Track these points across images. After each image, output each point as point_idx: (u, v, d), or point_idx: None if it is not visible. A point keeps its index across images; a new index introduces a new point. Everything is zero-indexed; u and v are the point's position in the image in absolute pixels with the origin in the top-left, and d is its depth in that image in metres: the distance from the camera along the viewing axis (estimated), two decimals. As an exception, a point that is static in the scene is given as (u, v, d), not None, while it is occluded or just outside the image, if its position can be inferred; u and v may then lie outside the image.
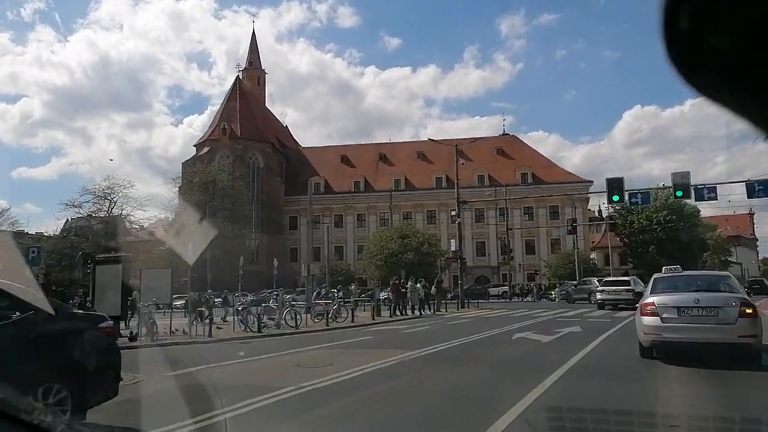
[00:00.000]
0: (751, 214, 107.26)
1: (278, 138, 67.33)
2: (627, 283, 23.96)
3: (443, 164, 60.98)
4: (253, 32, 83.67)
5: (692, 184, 20.17)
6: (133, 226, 57.76)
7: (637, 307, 9.01)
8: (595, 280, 31.27)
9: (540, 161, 59.57)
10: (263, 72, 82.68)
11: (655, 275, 9.53)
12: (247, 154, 57.81)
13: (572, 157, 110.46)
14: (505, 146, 63.17)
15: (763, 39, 0.64)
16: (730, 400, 5.69)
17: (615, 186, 20.57)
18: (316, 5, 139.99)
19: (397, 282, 23.49)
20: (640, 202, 21.00)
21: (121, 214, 53.11)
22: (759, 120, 0.73)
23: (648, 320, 7.99)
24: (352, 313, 18.62)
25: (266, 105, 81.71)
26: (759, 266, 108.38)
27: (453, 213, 58.97)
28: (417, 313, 22.01)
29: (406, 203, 59.72)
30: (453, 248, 25.84)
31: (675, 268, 10.52)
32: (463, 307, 26.58)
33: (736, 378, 6.82)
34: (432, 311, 23.05)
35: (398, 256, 44.19)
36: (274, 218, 57.17)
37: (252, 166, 58.39)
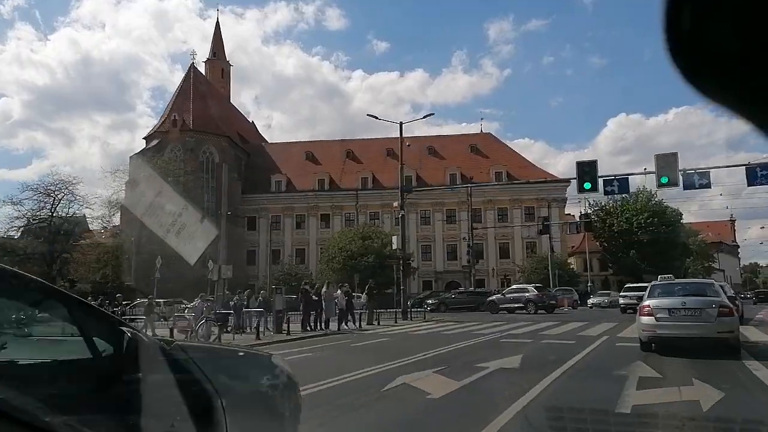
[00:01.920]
0: (732, 221, 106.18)
1: (240, 133, 63.38)
2: (645, 288, 23.51)
3: (413, 162, 57.64)
4: (218, 22, 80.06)
5: (680, 168, 16.91)
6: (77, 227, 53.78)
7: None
8: (531, 287, 29.26)
9: (516, 160, 56.60)
10: (228, 64, 78.86)
11: (653, 282, 11.96)
12: (200, 148, 53.82)
13: (557, 164, 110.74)
14: (480, 144, 60.06)
15: (765, 39, 0.64)
16: (730, 400, 5.59)
17: (587, 171, 17.28)
18: (304, 6, 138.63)
19: (307, 288, 19.35)
20: (616, 191, 17.68)
21: (68, 213, 49.44)
22: (760, 121, 0.73)
23: (645, 319, 9.62)
24: (220, 330, 14.31)
25: (231, 98, 78.06)
26: (741, 273, 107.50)
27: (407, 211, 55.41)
28: (333, 327, 17.87)
29: (374, 203, 56.22)
30: (395, 246, 22.16)
31: (668, 277, 13.20)
32: (405, 318, 22.89)
33: (737, 378, 6.95)
34: (357, 324, 18.82)
35: (357, 259, 40.55)
36: (230, 218, 53.08)
37: (206, 162, 54.31)
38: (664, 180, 16.72)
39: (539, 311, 26.49)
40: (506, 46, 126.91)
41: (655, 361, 8.56)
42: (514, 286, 31.44)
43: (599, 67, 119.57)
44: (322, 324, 17.83)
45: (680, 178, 16.90)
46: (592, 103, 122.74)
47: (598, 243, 59.59)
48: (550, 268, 38.90)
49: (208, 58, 77.87)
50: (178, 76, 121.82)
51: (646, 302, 9.85)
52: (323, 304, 17.99)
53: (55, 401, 1.76)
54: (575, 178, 17.73)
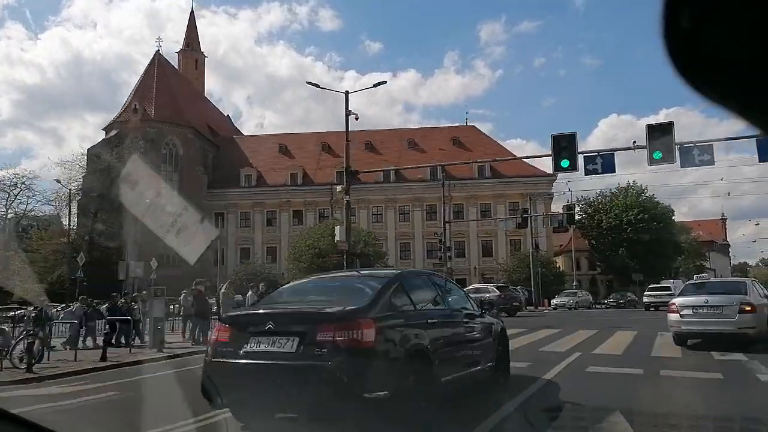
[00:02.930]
0: (724, 219, 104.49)
1: (210, 125, 60.04)
2: (668, 288, 27.52)
3: (393, 156, 54.72)
4: (192, 12, 76.60)
5: (677, 142, 13.97)
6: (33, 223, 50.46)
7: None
8: (491, 286, 25.94)
9: (500, 153, 53.61)
10: (202, 55, 75.52)
11: (688, 282, 14.45)
12: (163, 139, 50.49)
13: (549, 164, 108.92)
14: (463, 137, 57.17)
15: (764, 39, 0.64)
16: (730, 400, 5.64)
17: (564, 146, 14.35)
18: (297, 7, 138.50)
19: (200, 289, 14.54)
20: (599, 170, 14.70)
21: (26, 209, 46.36)
22: (758, 121, 0.73)
23: (672, 317, 10.78)
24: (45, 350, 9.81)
25: (205, 90, 74.71)
26: (731, 272, 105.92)
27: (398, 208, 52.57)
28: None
29: (350, 198, 52.94)
30: (338, 238, 19.07)
31: (703, 276, 17.33)
32: None
33: (737, 378, 6.90)
34: (191, 337, 13.82)
35: (325, 258, 37.34)
36: (195, 214, 49.70)
37: (169, 154, 50.95)
38: (657, 155, 13.83)
39: (501, 314, 23.41)
40: (498, 48, 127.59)
41: (647, 398, 5.97)
42: (472, 286, 27.74)
43: (591, 68, 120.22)
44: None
45: (677, 152, 14.00)
46: (584, 103, 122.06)
47: (586, 241, 57.02)
48: (531, 266, 36.02)
49: (181, 49, 74.52)
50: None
51: (673, 300, 11.00)
52: (220, 308, 14.28)
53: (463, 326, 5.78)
54: (550, 155, 14.77)
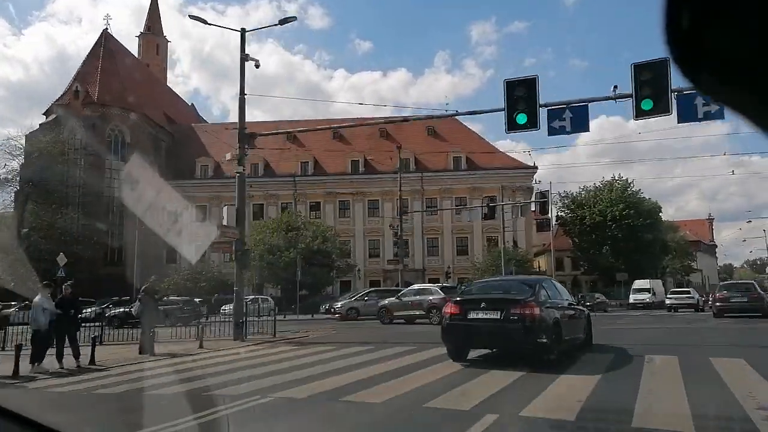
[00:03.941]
0: (711, 220, 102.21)
1: (167, 113, 55.69)
2: (689, 292, 32.97)
3: (363, 146, 50.92)
4: (154, -6, 71.85)
5: (674, 88, 10.19)
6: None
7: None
8: (435, 288, 21.89)
9: (477, 145, 50.06)
10: (165, 40, 71.17)
11: (721, 283, 28.83)
12: (107, 125, 46.00)
13: (538, 164, 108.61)
14: (439, 127, 53.34)
15: (764, 38, 0.65)
16: (730, 399, 5.58)
17: (522, 96, 10.61)
18: (286, 5, 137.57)
19: (149, 289, 12.39)
20: (569, 129, 10.97)
21: None
22: (759, 118, 0.73)
23: (717, 302, 20.86)
24: None
25: (168, 78, 70.40)
26: (718, 273, 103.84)
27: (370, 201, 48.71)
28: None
29: (315, 191, 49.26)
30: (225, 222, 15.06)
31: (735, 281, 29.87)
32: (242, 338, 14.85)
33: (737, 378, 6.98)
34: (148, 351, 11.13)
35: (277, 254, 33.46)
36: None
37: (115, 141, 46.56)
38: (647, 105, 10.18)
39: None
40: (489, 48, 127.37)
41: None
42: (414, 286, 23.56)
43: (580, 70, 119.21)
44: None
45: (672, 101, 10.28)
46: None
47: (570, 240, 53.63)
48: (502, 264, 32.29)
49: (141, 33, 70.16)
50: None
51: (717, 293, 21.74)
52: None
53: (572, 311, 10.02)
54: (503, 109, 11.01)
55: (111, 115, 46.34)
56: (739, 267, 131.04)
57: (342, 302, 27.62)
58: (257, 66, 15.90)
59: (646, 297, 35.45)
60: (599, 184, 51.67)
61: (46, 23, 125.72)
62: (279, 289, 38.39)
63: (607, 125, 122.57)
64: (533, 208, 25.74)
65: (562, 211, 53.06)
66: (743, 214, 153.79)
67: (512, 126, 10.93)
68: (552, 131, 11.07)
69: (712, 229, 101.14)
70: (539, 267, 54.17)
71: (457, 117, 54.62)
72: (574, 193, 51.87)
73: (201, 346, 11.52)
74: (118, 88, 47.19)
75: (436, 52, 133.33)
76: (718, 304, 20.79)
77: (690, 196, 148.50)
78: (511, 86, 10.90)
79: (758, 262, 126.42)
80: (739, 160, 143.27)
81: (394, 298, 21.89)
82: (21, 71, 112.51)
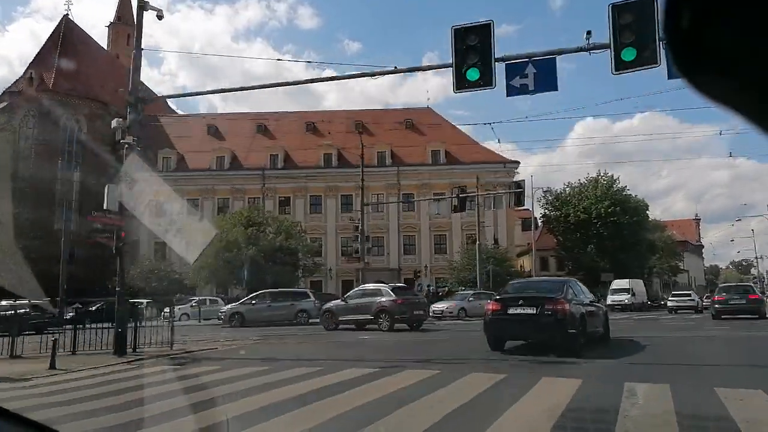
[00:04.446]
0: (697, 220, 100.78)
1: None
2: (689, 295, 33.66)
3: (337, 138, 48.29)
4: (123, -19, 68.45)
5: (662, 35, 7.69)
6: None
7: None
8: (386, 287, 18.46)
9: (456, 138, 47.59)
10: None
11: (720, 285, 32.83)
12: (64, 114, 42.91)
13: (526, 166, 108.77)
14: (418, 119, 50.91)
15: (765, 38, 0.65)
16: (730, 399, 5.49)
17: (473, 47, 8.16)
18: (275, 4, 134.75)
19: None
20: (531, 88, 8.45)
21: None
22: (758, 118, 0.74)
23: (716, 303, 21.28)
24: None
25: (153, 76, 67.11)
26: (705, 274, 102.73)
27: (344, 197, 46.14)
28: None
29: (284, 186, 46.49)
30: (106, 205, 12.23)
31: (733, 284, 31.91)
32: (121, 353, 11.27)
33: (737, 378, 7.11)
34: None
35: (234, 252, 30.69)
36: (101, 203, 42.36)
37: (72, 131, 43.47)
38: (630, 55, 7.72)
39: (397, 326, 16.84)
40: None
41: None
42: (363, 286, 20.10)
43: (567, 72, 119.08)
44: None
45: (660, 50, 7.77)
46: (560, 107, 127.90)
47: (554, 237, 51.43)
48: (477, 262, 29.80)
49: (111, 23, 66.97)
50: (144, 72, 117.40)
51: (714, 296, 22.33)
52: None
53: (593, 307, 11.35)
54: (450, 65, 8.44)
55: (68, 103, 43.25)
56: (724, 268, 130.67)
57: (228, 307, 24.01)
58: (160, 17, 13.18)
59: (624, 298, 33.21)
60: (584, 180, 49.55)
61: (31, 19, 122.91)
62: (246, 290, 35.73)
63: (593, 126, 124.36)
64: (510, 202, 23.18)
65: (546, 208, 50.89)
66: (729, 215, 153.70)
67: (461, 83, 8.40)
68: (512, 90, 8.57)
69: (699, 229, 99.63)
70: (522, 267, 51.83)
71: (432, 109, 52.31)
72: (558, 190, 49.71)
73: (52, 366, 8.75)
74: (76, 76, 44.11)
75: (425, 53, 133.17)
76: (716, 305, 21.13)
77: (677, 197, 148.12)
78: (461, 34, 8.37)
79: (743, 263, 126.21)
80: (725, 162, 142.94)
81: (339, 301, 19.01)
82: (5, 68, 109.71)
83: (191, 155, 48.08)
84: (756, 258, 67.11)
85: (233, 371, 8.21)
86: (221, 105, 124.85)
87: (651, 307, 38.98)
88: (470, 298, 25.82)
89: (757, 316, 19.91)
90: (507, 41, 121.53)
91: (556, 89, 8.55)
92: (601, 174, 49.03)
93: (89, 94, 44.64)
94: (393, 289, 17.92)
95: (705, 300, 34.50)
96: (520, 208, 31.27)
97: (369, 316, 17.27)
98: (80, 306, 23.61)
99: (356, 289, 20.01)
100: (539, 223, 56.90)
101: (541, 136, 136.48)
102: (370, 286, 19.56)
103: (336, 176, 46.49)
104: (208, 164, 47.45)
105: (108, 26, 66.30)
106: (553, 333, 9.53)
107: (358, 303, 17.85)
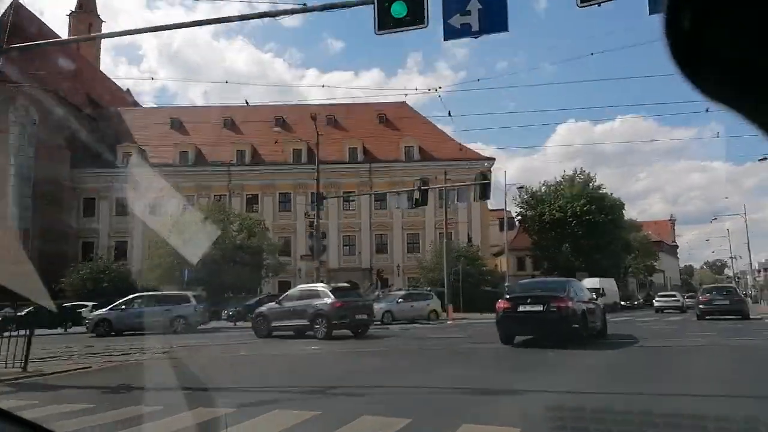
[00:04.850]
0: (672, 221, 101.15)
1: (91, 96, 49.98)
2: (675, 296, 35.79)
3: (307, 134, 46.31)
4: (88, -34, 65.73)
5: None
6: None
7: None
8: (324, 287, 16.49)
9: (431, 133, 46.20)
10: (99, 19, 65.28)
11: (704, 286, 31.28)
12: (12, 103, 40.33)
13: (508, 168, 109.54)
14: (392, 115, 49.33)
15: (762, 39, 0.65)
16: (730, 399, 5.74)
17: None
18: (257, 3, 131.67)
19: None
20: (475, 27, 6.81)
21: None
22: (760, 119, 0.73)
23: (701, 304, 21.58)
24: None
25: (101, 59, 64.50)
26: (680, 274, 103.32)
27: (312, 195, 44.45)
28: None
29: (252, 182, 44.60)
30: None
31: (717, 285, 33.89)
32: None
33: (737, 378, 7.20)
34: None
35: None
36: (56, 198, 40.00)
37: (21, 122, 40.86)
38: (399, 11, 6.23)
39: (340, 333, 15.11)
40: (461, 50, 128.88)
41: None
42: (300, 287, 17.97)
43: (550, 74, 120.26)
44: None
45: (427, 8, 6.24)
46: (543, 108, 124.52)
47: (531, 238, 50.36)
48: (444, 261, 28.29)
49: (72, 12, 64.09)
50: (123, 70, 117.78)
51: (699, 297, 22.61)
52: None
53: (592, 305, 12.57)
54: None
55: (15, 91, 40.61)
56: (699, 268, 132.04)
57: (96, 312, 21.04)
58: None
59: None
60: (560, 178, 48.61)
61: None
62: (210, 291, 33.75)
63: (575, 128, 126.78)
64: (476, 195, 21.58)
65: (522, 207, 49.80)
66: (704, 216, 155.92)
67: (384, 22, 6.76)
68: (450, 33, 6.94)
69: (674, 230, 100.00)
70: (498, 267, 50.63)
71: (407, 104, 50.88)
72: (534, 189, 48.67)
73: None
74: (24, 64, 41.45)
75: (409, 53, 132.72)
76: (701, 306, 21.44)
77: (653, 199, 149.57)
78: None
79: (717, 263, 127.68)
80: (701, 165, 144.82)
81: (273, 303, 16.69)
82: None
83: (152, 150, 45.78)
84: (731, 258, 66.98)
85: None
86: (204, 104, 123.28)
87: (624, 308, 38.04)
88: (399, 300, 23.86)
89: (740, 316, 20.54)
90: (490, 41, 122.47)
91: (506, 29, 6.89)
92: (578, 172, 48.20)
93: (40, 83, 42.04)
94: (333, 290, 15.84)
95: (687, 299, 35.98)
96: (494, 209, 29.88)
97: (305, 322, 15.12)
98: (11, 310, 21.30)
99: (293, 289, 17.82)
100: (516, 223, 55.94)
101: (525, 137, 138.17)
102: (308, 286, 17.64)
103: (306, 173, 44.63)
104: (171, 159, 45.21)
105: (69, 15, 63.47)
106: (558, 328, 10.75)
107: (293, 306, 15.61)
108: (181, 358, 10.79)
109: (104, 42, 66.72)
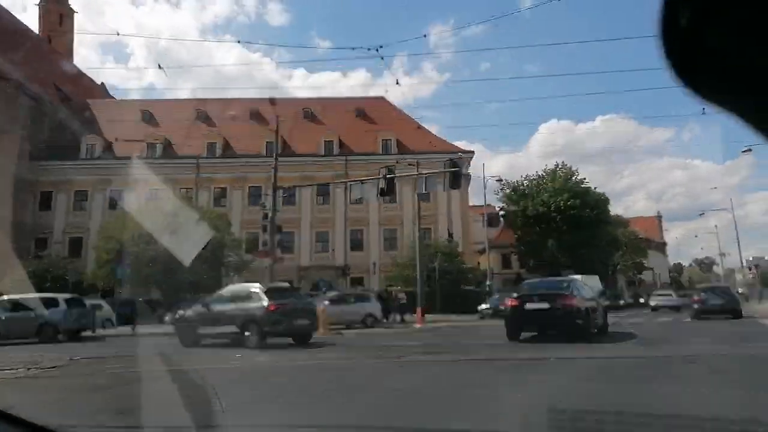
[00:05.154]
0: (659, 217, 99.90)
1: (58, 86, 47.69)
2: (670, 295, 38.22)
3: (282, 127, 44.28)
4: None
5: None
6: None
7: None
8: (257, 289, 13.76)
9: (409, 126, 44.40)
10: (71, 10, 62.82)
11: (698, 286, 37.74)
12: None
13: (492, 166, 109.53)
14: (370, 108, 47.49)
15: (762, 39, 0.64)
16: (730, 399, 5.66)
17: None
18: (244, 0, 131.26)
19: None
20: None
21: None
22: (756, 119, 0.73)
23: (695, 304, 21.85)
24: None
25: (74, 52, 62.12)
26: (670, 272, 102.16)
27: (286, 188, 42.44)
28: None
29: (221, 175, 42.50)
30: None
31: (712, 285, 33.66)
32: None
33: (736, 379, 7.18)
34: None
35: (142, 247, 26.74)
36: (12, 191, 37.71)
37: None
38: None
39: (275, 342, 13.00)
40: (446, 50, 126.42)
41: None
42: (231, 287, 15.58)
43: (533, 74, 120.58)
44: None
45: None
46: (527, 108, 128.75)
47: (514, 234, 48.60)
48: (418, 258, 26.42)
49: (41, 1, 61.51)
50: (109, 67, 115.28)
51: (695, 297, 22.67)
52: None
53: (595, 303, 13.39)
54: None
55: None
56: (688, 266, 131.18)
57: None
58: None
59: None
60: (542, 172, 46.91)
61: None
62: (165, 291, 31.66)
63: (557, 128, 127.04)
64: (446, 185, 19.58)
65: (504, 202, 48.07)
66: (690, 213, 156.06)
67: None
68: None
69: (662, 226, 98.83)
70: (482, 264, 48.83)
71: (386, 99, 48.95)
72: (516, 182, 46.95)
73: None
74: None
75: (395, 54, 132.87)
76: (696, 306, 21.93)
77: (637, 196, 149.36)
78: None
79: (706, 261, 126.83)
80: (683, 162, 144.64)
81: (200, 306, 14.14)
82: None
83: (119, 142, 43.59)
84: (720, 255, 65.66)
85: None
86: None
87: (609, 308, 36.46)
88: (325, 302, 20.68)
89: (732, 316, 20.65)
90: (475, 42, 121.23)
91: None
92: (560, 166, 46.47)
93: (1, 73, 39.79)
94: (268, 291, 13.43)
95: (680, 297, 37.08)
96: (478, 205, 27.84)
97: (234, 329, 12.84)
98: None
99: (224, 289, 15.34)
100: (501, 220, 54.21)
101: (509, 136, 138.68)
102: (240, 286, 15.33)
103: (279, 164, 42.59)
104: (138, 152, 43.02)
105: (38, 5, 60.93)
106: (564, 324, 11.60)
107: (222, 310, 13.28)
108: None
109: (89, 39, 64.76)
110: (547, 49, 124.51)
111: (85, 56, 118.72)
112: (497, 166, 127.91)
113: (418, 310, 22.36)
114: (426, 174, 23.53)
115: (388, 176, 19.12)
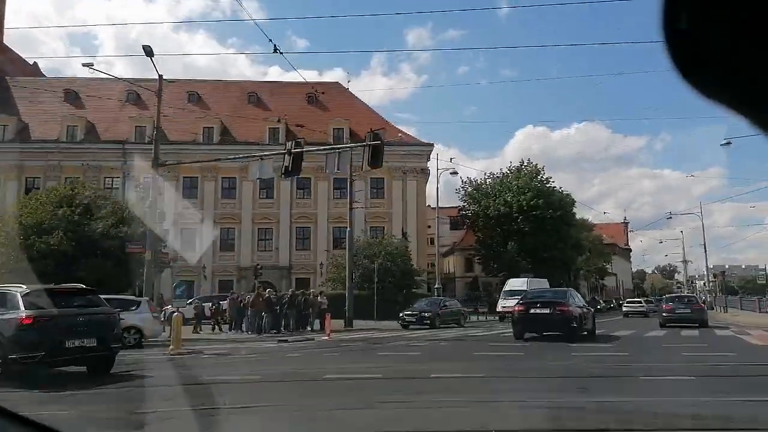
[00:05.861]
0: (626, 223, 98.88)
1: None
2: (641, 302, 39.71)
3: (224, 111, 40.40)
4: None
5: None
6: None
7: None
8: (15, 293, 8.53)
9: (364, 115, 40.82)
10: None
11: (666, 295, 35.46)
12: None
13: (468, 171, 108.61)
14: (323, 94, 43.49)
15: (762, 38, 0.64)
16: (729, 399, 5.75)
17: None
18: None
19: None
20: None
21: None
22: (758, 120, 0.73)
23: (664, 312, 22.19)
24: None
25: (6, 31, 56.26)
26: (633, 278, 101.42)
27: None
28: None
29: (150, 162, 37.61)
30: None
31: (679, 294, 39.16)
32: None
33: (736, 379, 7.44)
34: None
35: (32, 239, 22.37)
36: None
37: None
38: None
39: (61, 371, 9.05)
40: (424, 53, 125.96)
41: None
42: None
43: (510, 79, 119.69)
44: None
45: None
46: (503, 113, 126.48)
47: (475, 235, 45.55)
48: (347, 258, 22.81)
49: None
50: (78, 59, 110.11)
51: (664, 305, 23.36)
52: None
53: (585, 309, 16.75)
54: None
55: None
56: (650, 273, 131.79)
57: None
58: None
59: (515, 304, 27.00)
60: (506, 170, 44.04)
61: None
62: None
63: (533, 134, 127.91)
64: (364, 162, 15.94)
65: (466, 201, 45.01)
66: (657, 222, 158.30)
67: None
68: None
69: (628, 233, 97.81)
70: (430, 265, 45.57)
71: (341, 84, 45.24)
72: (477, 181, 43.97)
73: None
74: None
75: (373, 54, 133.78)
76: (664, 314, 22.24)
77: (606, 205, 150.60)
78: None
79: (668, 268, 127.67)
80: (652, 173, 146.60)
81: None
82: None
83: (39, 125, 38.69)
84: (684, 262, 64.17)
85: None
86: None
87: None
88: (154, 315, 16.44)
89: (698, 324, 20.84)
90: (453, 46, 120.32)
91: None
92: (525, 163, 43.71)
93: None
94: (30, 295, 8.84)
95: (649, 304, 40.19)
96: (447, 206, 24.39)
97: (83, 341, 8.77)
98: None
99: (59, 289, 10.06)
100: (468, 222, 51.22)
101: (485, 141, 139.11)
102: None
103: (217, 153, 38.42)
104: (57, 135, 38.20)
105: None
106: (561, 327, 14.44)
107: (60, 319, 8.78)
108: None
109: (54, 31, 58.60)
110: (522, 54, 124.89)
111: (53, 48, 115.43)
112: (473, 172, 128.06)
113: (327, 317, 18.53)
114: (340, 148, 19.80)
115: (294, 151, 15.39)
